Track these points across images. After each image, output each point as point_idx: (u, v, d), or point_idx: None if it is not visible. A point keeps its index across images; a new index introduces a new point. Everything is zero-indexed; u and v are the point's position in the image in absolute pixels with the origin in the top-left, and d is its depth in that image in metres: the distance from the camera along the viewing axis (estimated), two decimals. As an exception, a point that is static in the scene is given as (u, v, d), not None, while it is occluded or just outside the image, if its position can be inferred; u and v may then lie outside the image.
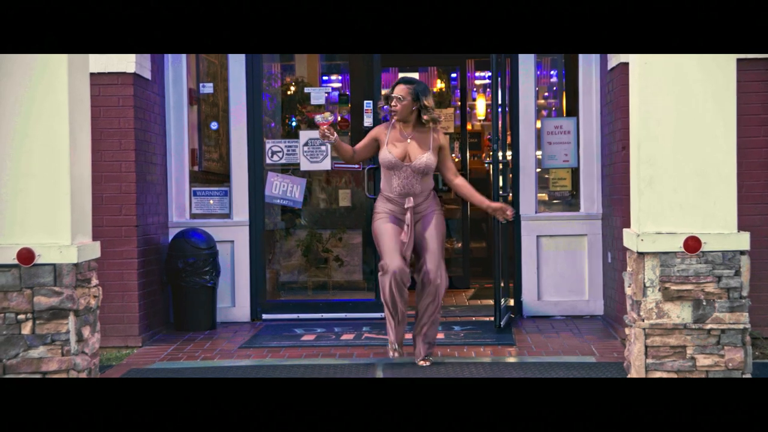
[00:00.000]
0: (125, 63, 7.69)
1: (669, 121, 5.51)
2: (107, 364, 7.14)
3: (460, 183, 6.88)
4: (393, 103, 6.63)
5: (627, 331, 5.81)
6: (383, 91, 7.16)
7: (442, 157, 6.74)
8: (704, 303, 5.45)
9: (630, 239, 5.69)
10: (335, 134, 6.45)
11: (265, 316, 8.96)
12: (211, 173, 9.46)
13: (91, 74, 6.24)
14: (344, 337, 8.08)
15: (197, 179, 9.15)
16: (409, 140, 6.64)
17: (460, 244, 11.50)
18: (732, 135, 5.48)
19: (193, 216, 8.96)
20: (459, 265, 11.11)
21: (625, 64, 7.44)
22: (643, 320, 5.50)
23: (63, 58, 5.36)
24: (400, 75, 10.91)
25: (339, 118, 6.73)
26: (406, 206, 6.60)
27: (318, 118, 6.34)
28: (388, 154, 6.61)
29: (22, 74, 5.37)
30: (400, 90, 6.65)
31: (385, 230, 6.59)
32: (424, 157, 6.60)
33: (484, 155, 13.81)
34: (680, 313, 5.47)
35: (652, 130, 5.51)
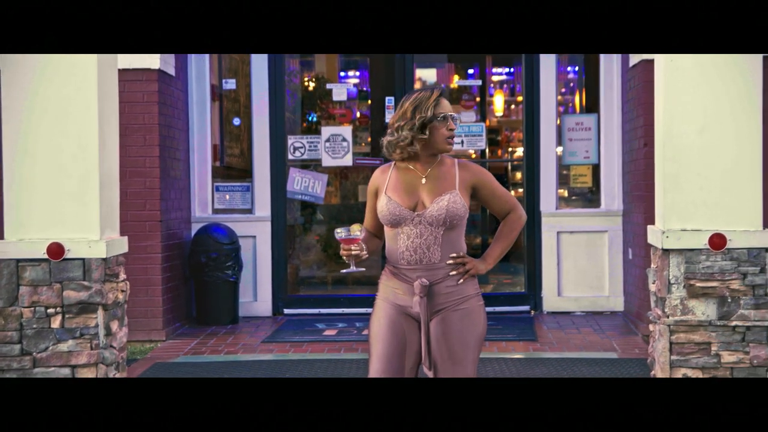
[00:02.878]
0: (150, 59, 7.75)
1: (694, 118, 5.51)
2: (132, 358, 7.19)
3: (508, 219, 4.23)
4: (452, 125, 4.11)
5: (651, 327, 5.83)
6: (412, 113, 4.08)
7: (486, 197, 4.15)
8: (729, 300, 5.46)
9: (655, 236, 5.70)
10: (364, 249, 4.04)
11: (286, 311, 9.01)
12: (232, 168, 9.52)
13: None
14: (366, 332, 8.12)
15: (219, 175, 9.21)
16: (423, 180, 4.08)
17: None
18: (758, 132, 5.49)
19: (216, 211, 9.02)
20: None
21: (647, 61, 7.46)
22: (667, 317, 5.52)
23: (93, 55, 5.41)
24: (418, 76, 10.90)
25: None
26: (417, 291, 3.97)
27: (339, 232, 4.01)
28: (387, 201, 4.05)
29: (53, 72, 5.41)
30: (448, 105, 4.13)
31: (378, 331, 4.01)
32: (445, 200, 4.02)
33: (500, 151, 13.82)
34: (705, 310, 5.48)
35: (678, 127, 5.52)
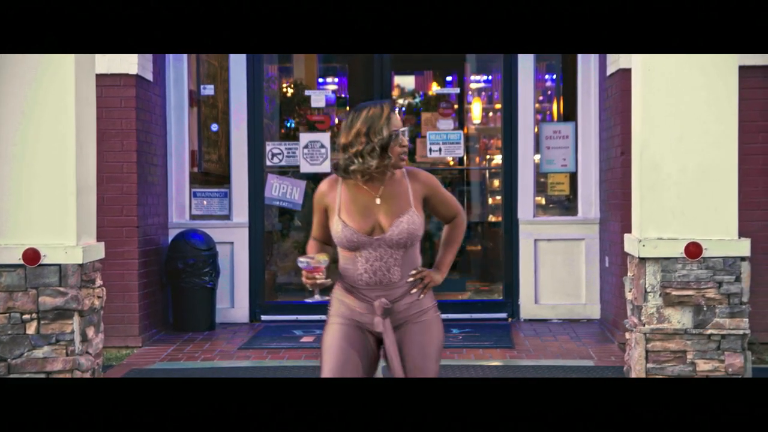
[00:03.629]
0: (127, 64, 7.72)
1: (671, 126, 5.55)
2: (108, 364, 7.16)
3: (455, 223, 4.19)
4: (404, 141, 3.99)
5: (627, 335, 5.85)
6: (344, 134, 3.95)
7: (436, 204, 4.07)
8: (705, 308, 5.49)
9: (631, 244, 5.73)
10: (328, 278, 3.95)
11: (263, 317, 8.99)
12: (210, 174, 9.49)
13: (95, 75, 6.26)
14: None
15: (197, 180, 9.19)
16: (378, 201, 3.94)
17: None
18: (734, 141, 5.53)
19: (193, 217, 9.00)
20: (455, 269, 11.13)
21: (625, 70, 7.50)
22: (644, 325, 5.54)
23: (70, 60, 5.39)
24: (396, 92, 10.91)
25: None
26: (378, 312, 3.93)
27: (303, 262, 3.89)
28: (343, 227, 3.91)
29: (29, 75, 5.39)
30: (397, 121, 3.96)
31: (332, 346, 3.93)
32: (405, 220, 3.92)
33: (478, 159, 13.84)
34: (681, 318, 5.51)
35: (655, 135, 5.55)
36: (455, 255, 4.18)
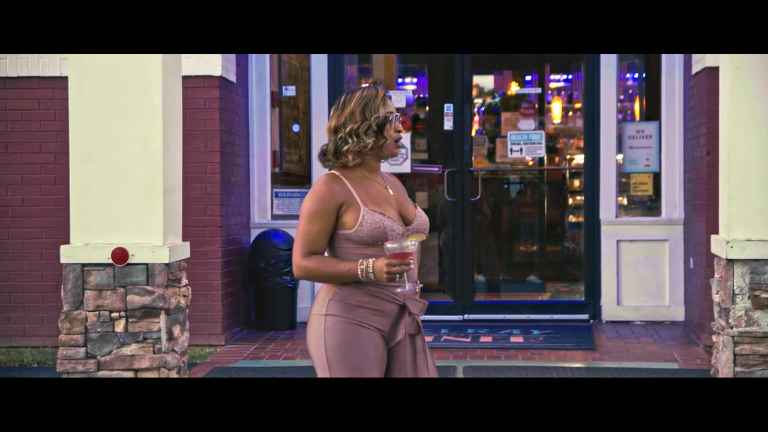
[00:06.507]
0: (212, 66, 7.82)
1: (760, 126, 5.45)
2: (192, 362, 7.26)
3: None
4: (399, 127, 3.70)
5: (714, 338, 5.75)
6: (340, 115, 3.67)
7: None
8: (795, 311, 5.38)
9: (719, 246, 5.63)
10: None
11: (344, 317, 9.01)
12: (291, 175, 9.57)
13: (181, 77, 6.36)
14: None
15: (278, 181, 9.27)
16: (390, 191, 3.69)
17: (535, 248, 11.45)
18: (825, 141, 5.41)
19: (275, 217, 9.07)
20: (536, 269, 11.07)
21: (711, 69, 7.37)
22: (731, 328, 5.45)
23: (157, 61, 5.47)
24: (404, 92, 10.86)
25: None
26: (417, 310, 3.63)
27: (395, 246, 3.45)
28: (381, 217, 3.57)
29: (117, 77, 5.48)
30: (392, 105, 3.73)
31: (366, 355, 3.58)
32: (419, 212, 3.75)
33: (558, 159, 13.74)
34: (770, 321, 5.41)
35: (743, 135, 5.46)
36: None
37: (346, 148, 3.61)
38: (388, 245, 3.45)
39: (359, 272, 3.50)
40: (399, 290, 3.53)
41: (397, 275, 3.45)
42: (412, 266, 3.49)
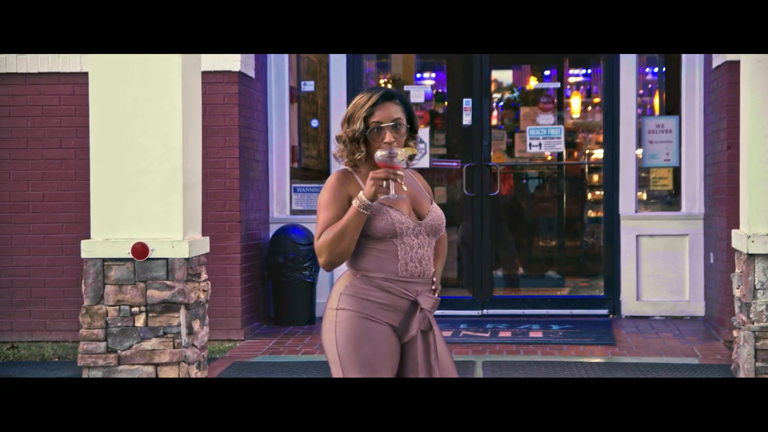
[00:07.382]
0: (231, 62, 7.83)
1: (781, 120, 5.42)
2: (211, 357, 7.28)
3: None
4: (388, 138, 3.55)
5: (735, 333, 5.73)
6: (356, 119, 3.60)
7: None
8: (817, 306, 5.35)
9: (739, 241, 5.61)
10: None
11: (362, 312, 9.02)
12: (309, 170, 9.58)
13: (200, 73, 6.37)
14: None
15: (297, 176, 9.28)
16: (405, 187, 3.58)
17: (554, 243, 11.42)
18: None
19: (294, 212, 9.09)
20: (554, 264, 11.04)
21: (732, 63, 7.33)
22: (752, 323, 5.42)
23: (177, 58, 5.49)
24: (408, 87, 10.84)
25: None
26: (429, 307, 3.64)
27: (387, 153, 3.44)
28: (392, 211, 3.58)
29: (137, 74, 5.50)
30: (395, 110, 3.61)
31: (377, 348, 3.58)
32: (434, 208, 3.74)
33: (576, 153, 13.70)
34: (792, 316, 5.38)
35: (765, 129, 5.43)
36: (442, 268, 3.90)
37: (333, 152, 3.73)
38: (378, 154, 3.46)
39: (357, 204, 3.49)
40: (382, 197, 3.49)
41: (383, 181, 3.44)
42: (401, 174, 3.45)
